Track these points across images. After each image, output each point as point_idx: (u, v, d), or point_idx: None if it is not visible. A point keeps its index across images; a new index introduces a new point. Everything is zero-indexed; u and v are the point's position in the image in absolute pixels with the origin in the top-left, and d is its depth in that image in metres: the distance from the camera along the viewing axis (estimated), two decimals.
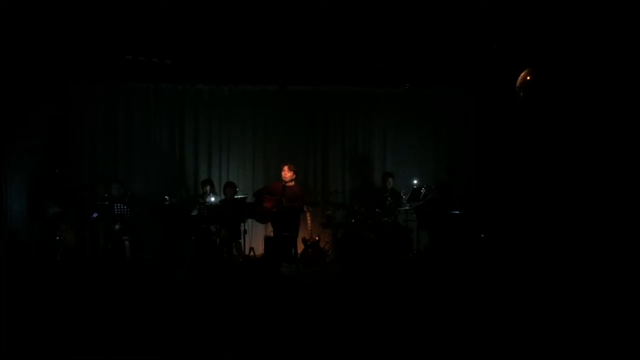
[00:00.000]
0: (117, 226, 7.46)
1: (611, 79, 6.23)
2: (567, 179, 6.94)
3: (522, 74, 6.31)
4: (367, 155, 9.04)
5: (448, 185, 8.14)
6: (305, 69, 7.88)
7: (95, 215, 7.42)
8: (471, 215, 7.53)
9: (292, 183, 7.57)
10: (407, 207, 7.91)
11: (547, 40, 6.44)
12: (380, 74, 8.08)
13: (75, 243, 7.61)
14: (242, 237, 7.52)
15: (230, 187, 7.76)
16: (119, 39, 6.84)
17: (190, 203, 7.66)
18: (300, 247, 7.69)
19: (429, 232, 7.87)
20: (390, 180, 8.18)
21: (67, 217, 7.51)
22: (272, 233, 7.70)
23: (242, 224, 7.46)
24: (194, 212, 7.40)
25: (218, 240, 7.49)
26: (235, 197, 7.55)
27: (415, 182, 8.10)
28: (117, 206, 7.29)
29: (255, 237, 8.27)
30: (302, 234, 7.65)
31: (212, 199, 7.67)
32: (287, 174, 7.54)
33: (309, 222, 7.56)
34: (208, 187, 7.87)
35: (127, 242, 7.60)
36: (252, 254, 7.88)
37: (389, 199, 7.97)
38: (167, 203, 7.42)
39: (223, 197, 7.79)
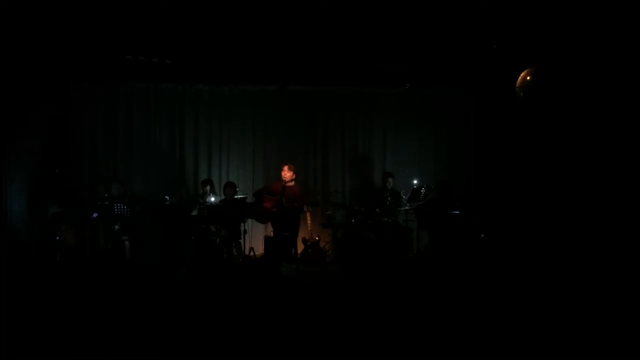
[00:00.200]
0: (117, 226, 7.47)
1: (611, 79, 6.24)
2: (567, 179, 6.95)
3: (522, 74, 6.31)
4: (367, 155, 9.03)
5: (448, 185, 8.14)
6: (305, 69, 7.87)
7: (95, 215, 7.43)
8: (471, 215, 7.53)
9: (292, 183, 7.57)
10: (407, 207, 7.91)
11: (547, 40, 6.44)
12: (380, 74, 8.07)
13: (75, 243, 7.62)
14: (242, 237, 7.51)
15: (230, 187, 7.76)
16: (119, 39, 6.84)
17: (190, 203, 7.66)
18: (300, 247, 7.69)
19: (429, 232, 7.88)
20: (390, 180, 8.17)
21: (67, 217, 7.51)
22: (272, 233, 7.70)
23: (242, 224, 7.46)
24: (194, 212, 7.40)
25: (218, 240, 7.49)
26: (235, 197, 7.55)
27: (415, 182, 8.09)
28: (117, 206, 7.30)
29: (255, 237, 8.26)
30: (302, 234, 7.65)
31: (212, 199, 7.67)
32: (287, 174, 7.54)
33: (309, 222, 7.56)
34: (208, 187, 7.87)
35: (127, 242, 7.60)
36: (252, 254, 7.87)
37: (389, 199, 7.97)
38: (167, 203, 7.42)
39: (223, 197, 7.79)
